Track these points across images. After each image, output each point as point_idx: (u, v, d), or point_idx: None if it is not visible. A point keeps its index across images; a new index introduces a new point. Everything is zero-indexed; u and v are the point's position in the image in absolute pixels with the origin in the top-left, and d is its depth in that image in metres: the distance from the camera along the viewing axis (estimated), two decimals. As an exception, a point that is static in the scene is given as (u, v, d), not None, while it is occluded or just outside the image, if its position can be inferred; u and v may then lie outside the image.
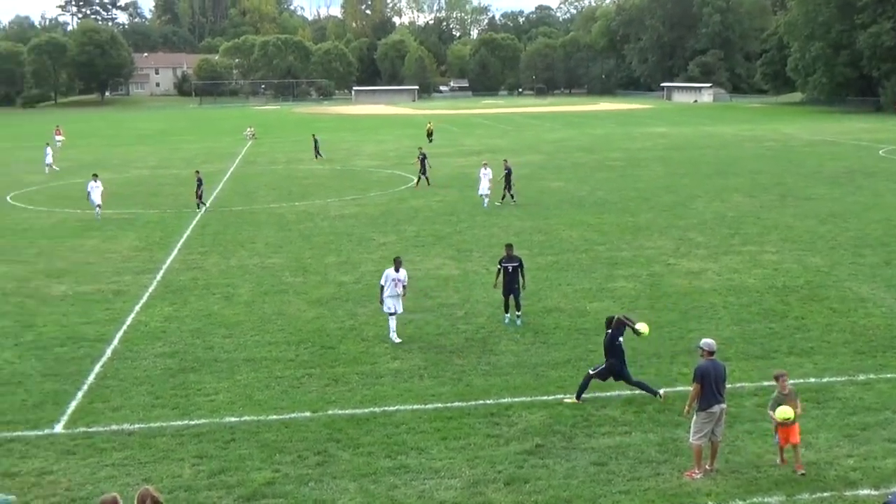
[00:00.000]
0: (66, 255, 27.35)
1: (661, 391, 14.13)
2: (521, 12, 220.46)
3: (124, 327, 19.17)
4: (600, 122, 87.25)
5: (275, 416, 13.92)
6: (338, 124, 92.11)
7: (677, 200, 34.89)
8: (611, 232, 28.61)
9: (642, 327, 14.27)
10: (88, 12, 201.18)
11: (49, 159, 52.61)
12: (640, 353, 16.04)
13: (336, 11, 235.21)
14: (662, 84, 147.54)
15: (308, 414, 13.99)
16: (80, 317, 20.02)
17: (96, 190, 34.84)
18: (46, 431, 13.49)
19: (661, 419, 13.37)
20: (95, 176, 35.81)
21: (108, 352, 17.46)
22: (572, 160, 51.15)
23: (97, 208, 34.58)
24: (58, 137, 71.35)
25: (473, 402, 14.26)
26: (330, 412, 14.04)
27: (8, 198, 40.92)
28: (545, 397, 14.38)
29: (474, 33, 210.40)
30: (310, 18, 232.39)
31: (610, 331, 14.02)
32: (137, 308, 20.75)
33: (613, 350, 13.95)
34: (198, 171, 36.82)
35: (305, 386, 15.28)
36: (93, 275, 24.45)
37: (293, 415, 13.97)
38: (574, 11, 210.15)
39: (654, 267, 23.50)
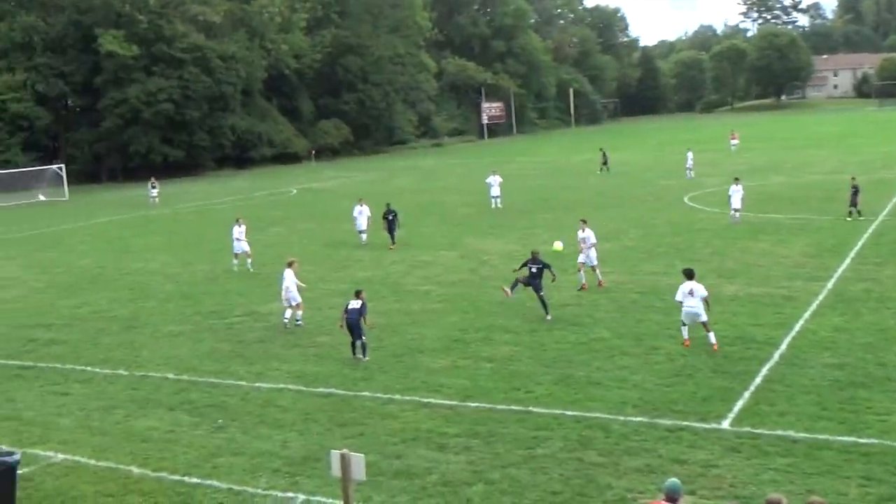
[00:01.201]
0: (738, 256, 28.22)
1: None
2: None
3: (792, 333, 19.05)
4: None
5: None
6: None
7: None
8: None
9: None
10: (769, 17, 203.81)
11: (689, 163, 54.79)
12: None
13: None
14: None
15: None
16: (750, 318, 20.47)
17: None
18: (713, 426, 14.08)
19: None
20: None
21: (776, 356, 17.53)
22: None
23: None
24: (733, 141, 73.92)
25: None
26: None
27: (685, 198, 43.86)
28: None
29: None
30: None
31: None
32: (807, 315, 20.43)
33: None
34: (853, 178, 35.11)
35: None
36: (763, 278, 24.80)
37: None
38: None
39: None
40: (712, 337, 18.19)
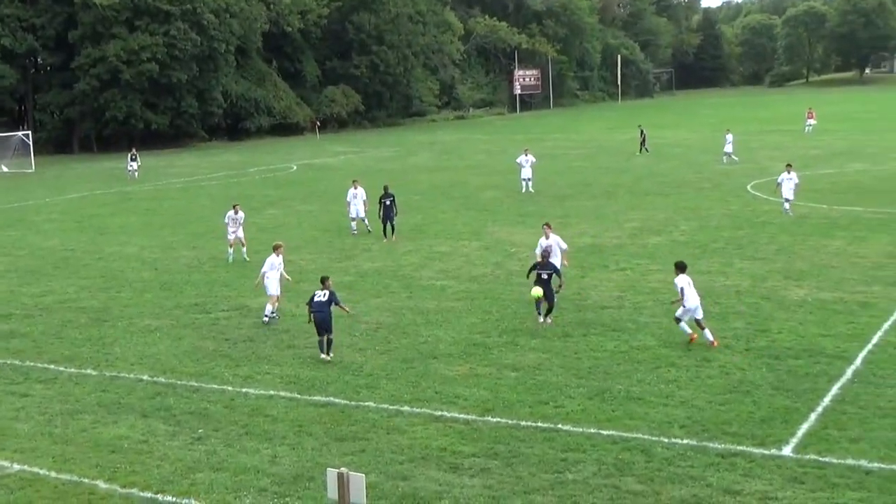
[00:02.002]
0: (808, 255, 28.01)
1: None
2: None
3: (869, 346, 18.87)
4: None
5: None
6: None
7: None
8: None
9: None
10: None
11: (729, 147, 54.45)
12: None
13: None
14: None
15: None
16: (819, 327, 20.31)
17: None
18: (773, 452, 13.98)
19: None
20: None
21: (849, 372, 17.37)
22: None
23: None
24: (809, 121, 73.43)
25: None
26: None
27: (748, 187, 43.60)
28: None
29: None
30: None
31: None
32: (886, 326, 20.24)
33: None
34: None
35: None
36: (836, 281, 24.59)
37: None
38: None
39: None
40: (709, 334, 19.19)
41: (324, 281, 19.79)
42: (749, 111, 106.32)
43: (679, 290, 19.46)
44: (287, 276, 23.34)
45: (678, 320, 19.53)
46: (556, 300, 21.35)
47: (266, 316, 22.50)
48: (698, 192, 42.70)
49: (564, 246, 23.62)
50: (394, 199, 33.39)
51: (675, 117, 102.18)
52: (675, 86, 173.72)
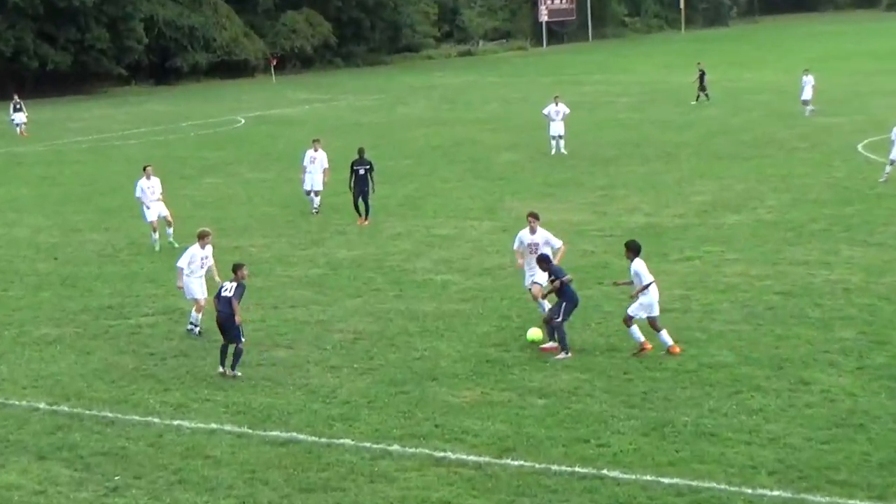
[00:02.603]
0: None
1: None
2: None
3: None
4: None
5: None
6: None
7: None
8: None
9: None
10: None
11: (807, 94, 54.26)
12: None
13: None
14: None
15: None
16: (956, 338, 20.31)
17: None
18: (896, 505, 13.98)
19: None
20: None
21: None
22: None
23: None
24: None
25: None
26: None
27: (859, 146, 43.48)
28: None
29: None
30: None
31: None
32: None
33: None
34: None
35: None
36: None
37: None
38: None
39: None
40: (667, 336, 19.93)
41: (236, 270, 19.89)
42: (859, 43, 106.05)
43: (639, 277, 19.87)
44: (217, 276, 22.85)
45: (630, 320, 19.89)
46: (560, 316, 20.44)
47: (192, 324, 22.44)
48: (790, 154, 42.61)
49: (557, 243, 22.43)
50: (371, 168, 33.13)
51: (759, 52, 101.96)
52: (760, 10, 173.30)
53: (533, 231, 22.44)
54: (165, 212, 30.71)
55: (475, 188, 38.34)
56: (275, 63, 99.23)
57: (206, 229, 23.48)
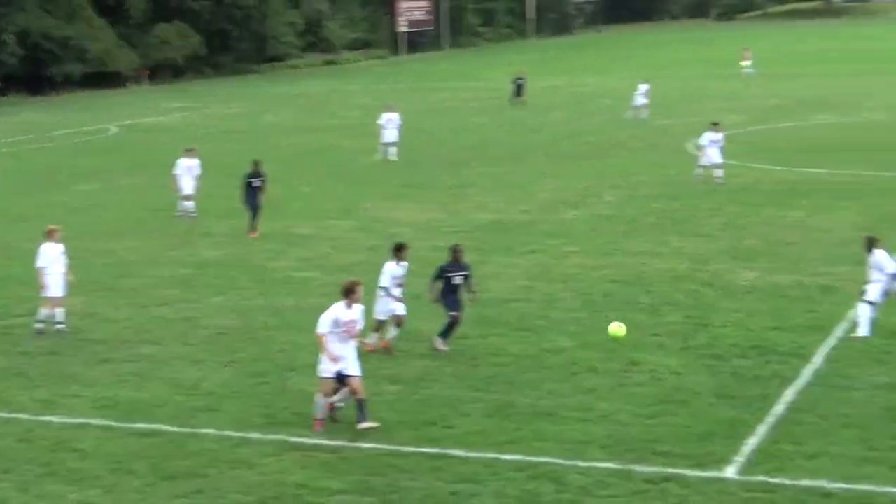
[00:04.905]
0: (760, 229, 28.73)
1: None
2: None
3: (832, 340, 19.47)
4: None
5: None
6: None
7: None
8: None
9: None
10: None
11: (640, 99, 55.63)
12: None
13: None
14: None
15: None
16: (771, 319, 20.84)
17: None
18: (713, 474, 14.27)
19: None
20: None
21: (807, 373, 17.86)
22: None
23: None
24: (744, 63, 74.67)
25: None
26: None
27: (688, 145, 44.35)
28: None
29: None
30: None
31: None
32: (852, 315, 20.77)
33: None
34: None
35: None
36: (793, 261, 25.26)
37: None
38: None
39: None
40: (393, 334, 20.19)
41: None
42: (690, 50, 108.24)
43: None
44: (70, 275, 22.44)
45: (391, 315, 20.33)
46: (459, 313, 20.20)
47: (58, 324, 21.97)
48: (628, 154, 43.46)
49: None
50: (264, 182, 31.64)
51: (601, 60, 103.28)
52: (603, 19, 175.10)
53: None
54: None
55: (335, 190, 38.29)
56: (147, 73, 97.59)
57: (54, 226, 22.82)
